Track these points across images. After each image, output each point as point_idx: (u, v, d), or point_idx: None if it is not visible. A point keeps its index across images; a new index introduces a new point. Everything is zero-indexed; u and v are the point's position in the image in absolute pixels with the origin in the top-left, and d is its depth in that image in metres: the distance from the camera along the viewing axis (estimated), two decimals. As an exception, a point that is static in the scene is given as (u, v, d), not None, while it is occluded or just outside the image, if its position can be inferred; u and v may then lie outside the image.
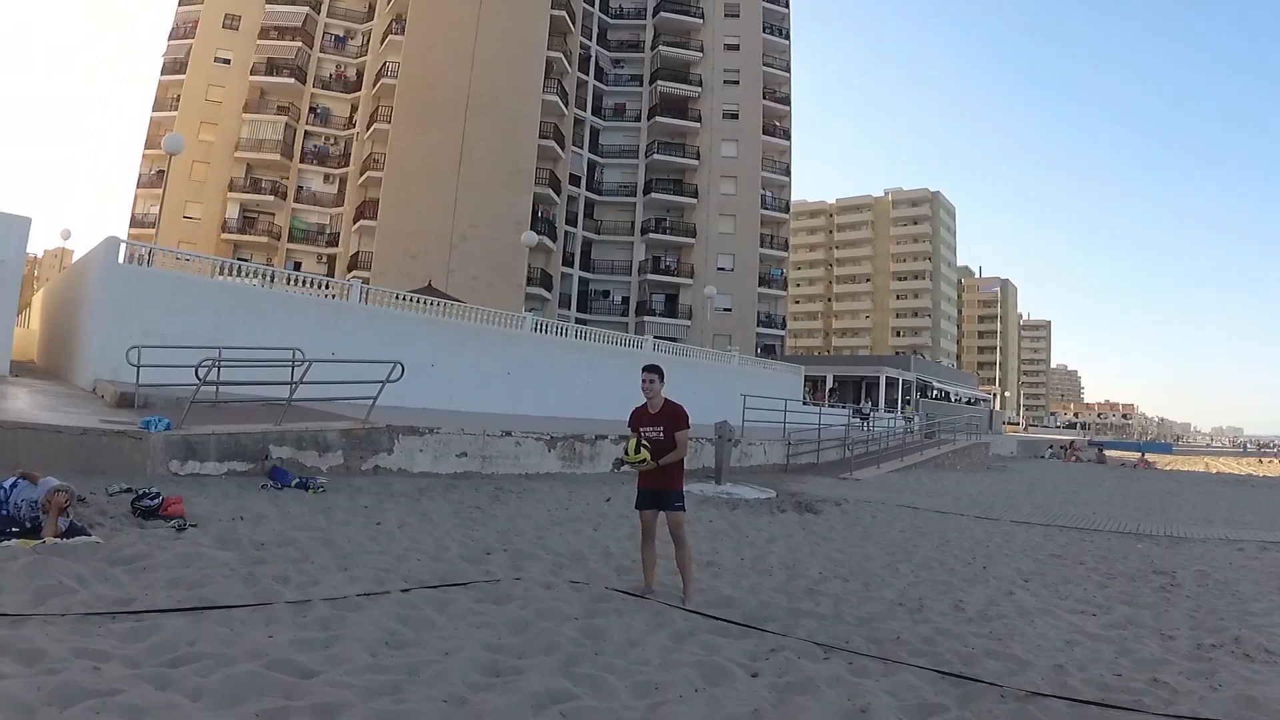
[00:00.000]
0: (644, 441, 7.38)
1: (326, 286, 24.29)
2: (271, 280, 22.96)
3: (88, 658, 4.84)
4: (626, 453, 7.44)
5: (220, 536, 8.25)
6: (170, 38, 62.39)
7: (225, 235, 58.14)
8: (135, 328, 17.07)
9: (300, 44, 61.72)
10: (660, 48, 66.46)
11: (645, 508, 7.65)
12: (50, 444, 10.75)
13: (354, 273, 51.30)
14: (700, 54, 66.76)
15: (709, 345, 44.51)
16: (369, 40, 62.77)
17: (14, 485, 7.89)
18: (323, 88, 63.28)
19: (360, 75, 62.36)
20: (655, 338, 35.84)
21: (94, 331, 18.71)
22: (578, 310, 60.86)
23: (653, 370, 7.58)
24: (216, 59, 60.70)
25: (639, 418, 7.61)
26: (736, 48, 67.32)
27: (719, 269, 63.20)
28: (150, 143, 58.08)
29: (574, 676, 5.23)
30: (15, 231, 19.17)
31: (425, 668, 5.17)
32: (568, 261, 61.14)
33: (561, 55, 58.03)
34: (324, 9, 64.15)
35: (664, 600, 7.39)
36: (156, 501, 8.99)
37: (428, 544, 8.99)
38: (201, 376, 12.62)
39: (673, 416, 7.47)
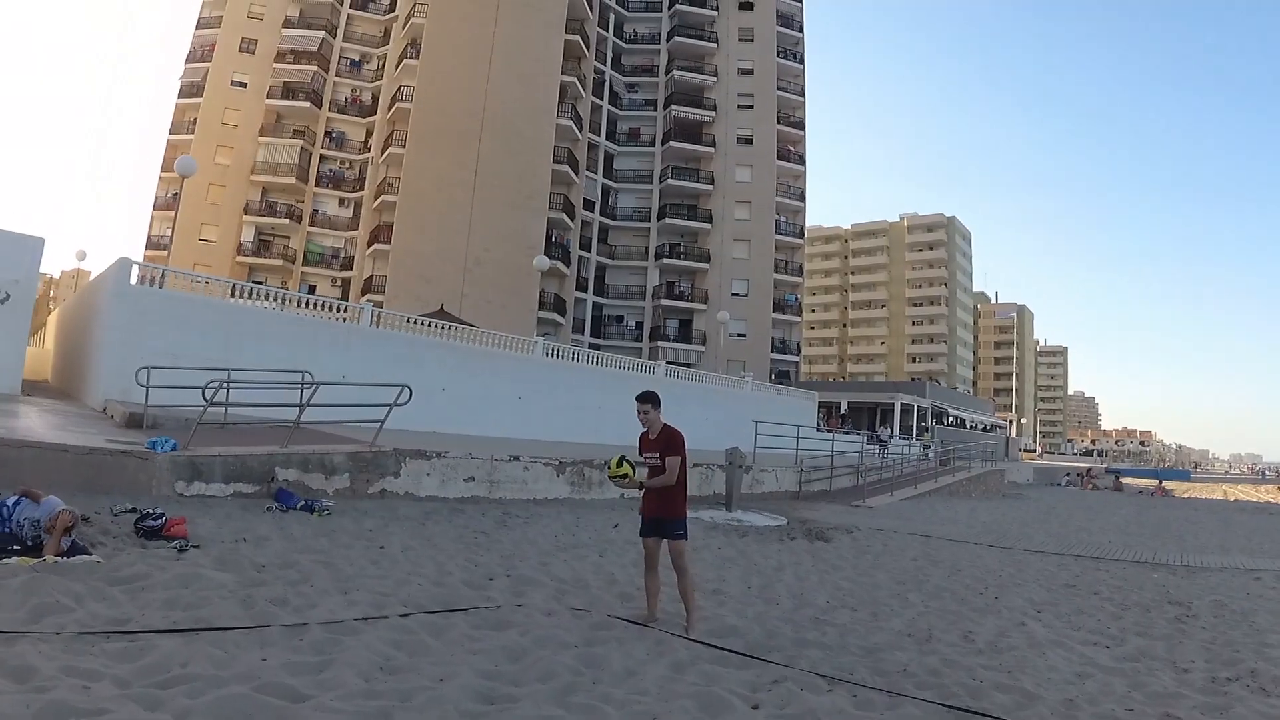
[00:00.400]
0: (626, 458, 7.32)
1: (338, 309, 24.34)
2: (284, 303, 23.00)
3: (78, 676, 4.81)
4: (609, 466, 7.39)
5: (221, 558, 8.20)
6: (187, 61, 62.92)
7: (240, 258, 58.44)
8: (146, 348, 17.06)
9: (316, 68, 62.17)
10: (674, 72, 66.73)
11: (648, 535, 7.57)
12: (56, 463, 10.76)
13: (368, 296, 51.50)
14: (714, 78, 66.97)
15: (723, 371, 44.38)
16: (384, 64, 63.22)
17: (17, 503, 7.91)
18: (338, 111, 63.69)
19: (376, 99, 62.78)
20: (668, 363, 35.80)
21: (105, 352, 18.78)
22: (591, 335, 60.85)
23: (645, 399, 7.51)
24: (233, 82, 61.15)
25: (641, 444, 7.56)
26: (751, 72, 67.49)
27: (733, 294, 63.15)
28: (166, 165, 58.33)
29: (569, 706, 5.14)
30: (28, 252, 19.27)
31: (418, 694, 5.10)
32: (581, 286, 61.21)
33: (575, 80, 58.26)
34: (340, 33, 64.69)
35: (666, 629, 7.29)
36: (160, 522, 8.96)
37: (430, 568, 8.91)
38: (209, 398, 12.59)
39: (668, 442, 7.39)
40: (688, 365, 43.99)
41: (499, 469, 15.95)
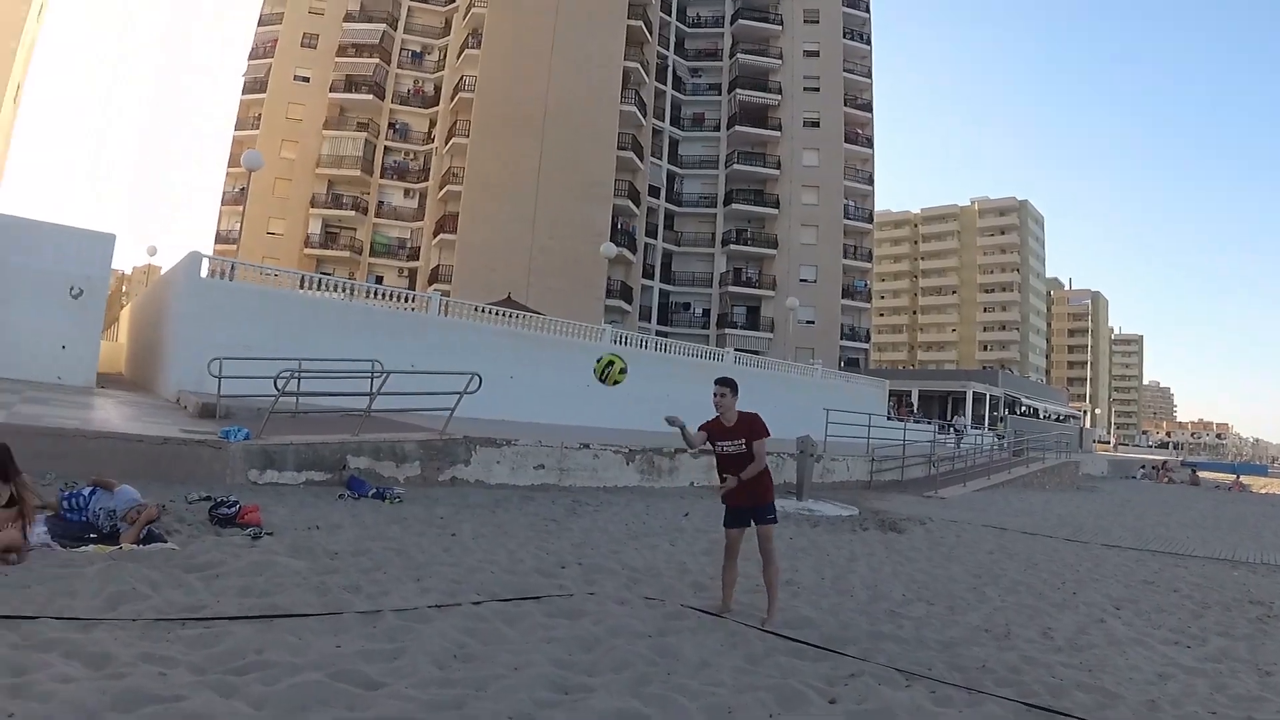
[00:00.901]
0: (619, 357, 7.12)
1: (406, 299, 24.56)
2: (352, 294, 23.26)
3: (154, 663, 4.85)
4: (595, 368, 7.17)
5: (294, 545, 8.28)
6: (250, 58, 64.52)
7: (308, 250, 59.43)
8: (217, 340, 17.32)
9: (378, 60, 63.01)
10: (739, 56, 65.94)
11: (734, 526, 7.43)
12: (132, 452, 10.97)
13: (435, 286, 51.87)
14: (779, 61, 66.08)
15: (791, 358, 43.88)
16: (446, 55, 63.81)
17: (92, 493, 8.06)
18: (401, 103, 64.48)
19: (438, 90, 63.44)
20: (736, 350, 35.51)
21: (177, 344, 19.18)
22: (658, 323, 60.59)
23: (724, 383, 7.38)
24: (296, 77, 62.41)
25: (716, 432, 7.38)
26: (816, 54, 66.45)
27: (801, 281, 62.44)
28: (233, 161, 60.00)
29: (644, 696, 5.07)
30: (100, 248, 19.72)
31: (492, 682, 5.07)
32: (648, 273, 60.95)
33: (639, 65, 57.83)
34: (401, 25, 65.45)
35: (740, 619, 7.19)
36: (234, 510, 9.08)
37: (502, 556, 8.91)
38: (280, 387, 12.77)
39: (750, 427, 7.25)
40: (756, 353, 43.57)
41: (569, 457, 15.96)
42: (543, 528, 11.16)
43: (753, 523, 7.35)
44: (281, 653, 5.21)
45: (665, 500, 15.50)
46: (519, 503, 13.21)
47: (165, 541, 7.85)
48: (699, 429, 7.43)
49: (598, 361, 7.07)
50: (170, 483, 10.55)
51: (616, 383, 7.10)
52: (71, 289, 18.81)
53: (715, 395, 7.35)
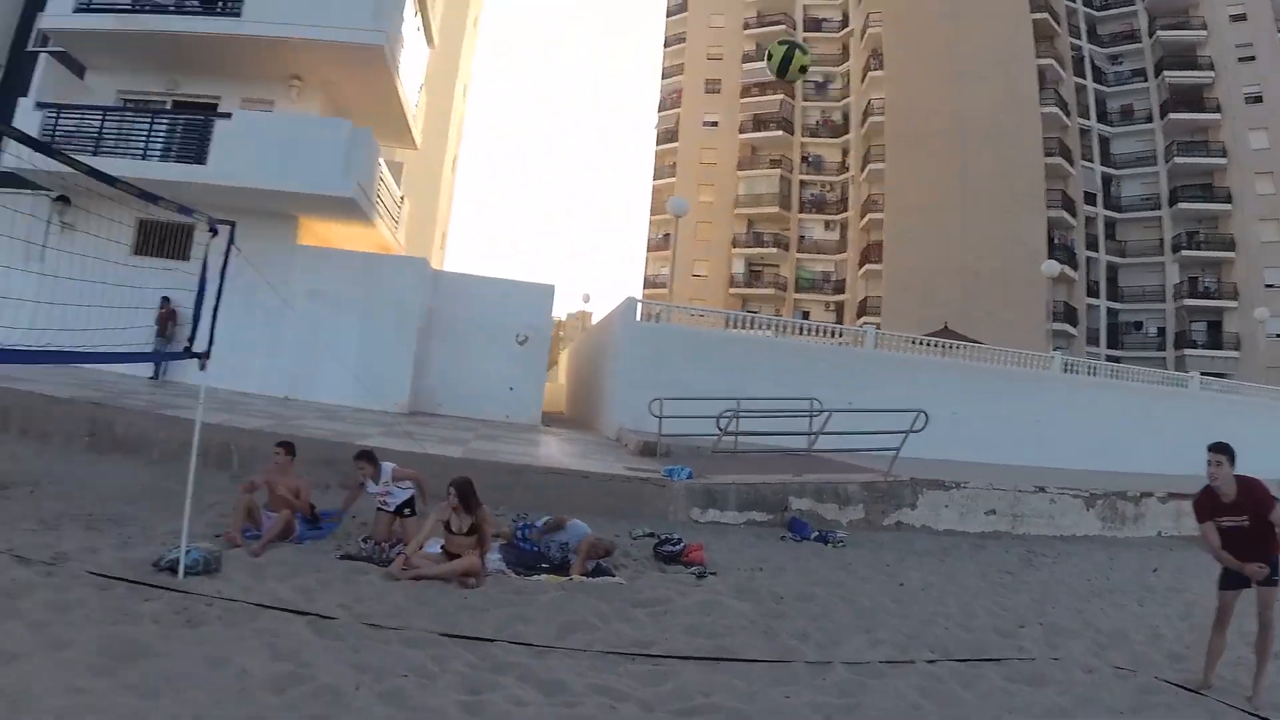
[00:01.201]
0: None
1: (837, 334, 24.34)
2: (781, 331, 23.44)
3: (605, 695, 5.00)
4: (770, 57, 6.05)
5: (739, 586, 8.30)
6: (659, 110, 69.09)
7: (733, 290, 61.38)
8: (653, 380, 18.15)
9: (782, 96, 63.84)
10: (1158, 33, 57.65)
11: (1232, 588, 6.47)
12: (578, 488, 11.70)
13: (864, 318, 51.06)
14: (1204, 32, 56.80)
15: (1262, 380, 38.03)
16: (849, 81, 63.46)
17: (544, 527, 8.68)
18: (811, 135, 64.95)
19: (846, 117, 63.18)
20: (1202, 374, 31.25)
21: (616, 384, 20.36)
22: (1107, 345, 54.39)
23: (1220, 451, 6.37)
24: (705, 123, 65.30)
25: (1211, 508, 6.44)
26: (1244, 17, 55.96)
27: (1268, 286, 52.46)
28: (655, 209, 64.26)
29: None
30: (542, 299, 21.59)
31: (952, 753, 4.67)
32: (1091, 291, 55.18)
33: (1052, 61, 53.44)
34: (799, 58, 66.20)
35: (1221, 698, 6.23)
36: (678, 547, 9.31)
37: (954, 609, 8.41)
38: (723, 427, 13.00)
39: (1255, 500, 6.25)
40: (1222, 375, 38.12)
41: (1022, 501, 14.80)
42: (996, 579, 10.48)
43: (1254, 584, 6.33)
44: (729, 697, 5.19)
45: (1129, 551, 14.05)
46: (969, 551, 12.52)
47: (613, 575, 8.22)
48: (1195, 508, 6.58)
49: (773, 53, 6.13)
50: (615, 518, 11.02)
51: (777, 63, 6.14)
52: (517, 336, 20.70)
53: (1210, 465, 6.40)
